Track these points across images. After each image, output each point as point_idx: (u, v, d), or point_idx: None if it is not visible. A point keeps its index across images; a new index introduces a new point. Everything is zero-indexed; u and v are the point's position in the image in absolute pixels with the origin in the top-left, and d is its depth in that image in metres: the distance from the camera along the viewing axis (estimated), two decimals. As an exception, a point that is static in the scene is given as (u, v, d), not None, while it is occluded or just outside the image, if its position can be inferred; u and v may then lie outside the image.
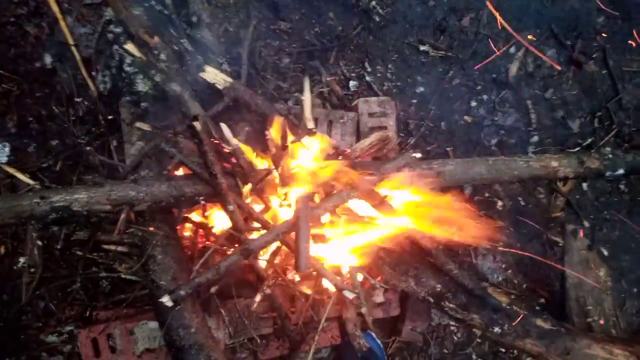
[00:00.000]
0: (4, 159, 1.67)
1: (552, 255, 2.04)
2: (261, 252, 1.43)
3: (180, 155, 1.23)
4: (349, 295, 1.43)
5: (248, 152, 1.27)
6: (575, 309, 1.77)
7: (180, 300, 1.22)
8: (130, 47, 1.24)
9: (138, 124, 1.25)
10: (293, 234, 1.29)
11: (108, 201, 1.18)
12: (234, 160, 1.27)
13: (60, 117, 1.67)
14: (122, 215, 1.19)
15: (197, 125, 1.10)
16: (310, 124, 1.19)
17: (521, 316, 1.52)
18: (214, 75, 1.33)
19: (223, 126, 1.20)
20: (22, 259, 1.50)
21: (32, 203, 1.14)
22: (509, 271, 1.95)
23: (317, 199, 1.37)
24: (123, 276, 1.58)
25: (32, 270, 1.49)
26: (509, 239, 2.00)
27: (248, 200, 1.33)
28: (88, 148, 1.54)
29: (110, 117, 1.63)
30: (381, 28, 2.03)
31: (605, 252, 2.11)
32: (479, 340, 1.85)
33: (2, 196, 1.49)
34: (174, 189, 1.24)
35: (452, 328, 1.85)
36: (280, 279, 1.41)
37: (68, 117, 1.67)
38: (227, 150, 1.28)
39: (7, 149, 1.68)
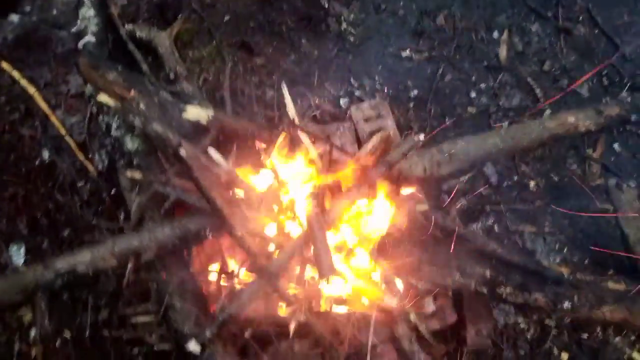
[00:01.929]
0: (21, 261, 1.66)
1: (607, 224, 1.87)
2: (290, 284, 1.34)
3: (174, 192, 1.18)
4: (391, 301, 1.30)
5: (243, 173, 1.22)
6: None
7: (208, 342, 1.12)
8: (103, 97, 1.25)
9: (129, 173, 1.23)
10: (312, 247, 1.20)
11: (112, 256, 1.13)
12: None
13: (67, 205, 1.67)
14: (130, 265, 1.13)
15: (183, 151, 1.07)
16: (296, 119, 1.14)
17: (588, 282, 1.35)
18: (196, 113, 1.32)
19: (211, 150, 1.17)
20: (32, 332, 1.42)
21: (35, 274, 1.09)
22: (565, 250, 1.78)
23: (327, 204, 1.29)
24: (155, 348, 1.49)
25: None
26: (554, 220, 1.85)
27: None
28: (94, 222, 1.53)
29: (113, 191, 1.63)
30: (358, 46, 2.05)
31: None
32: (555, 332, 1.64)
33: (3, 275, 1.47)
34: (177, 229, 1.19)
35: (521, 325, 1.65)
36: (312, 303, 1.30)
37: (74, 203, 1.67)
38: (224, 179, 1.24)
39: (22, 250, 1.67)
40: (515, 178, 1.94)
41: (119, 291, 1.43)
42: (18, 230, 1.69)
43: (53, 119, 1.73)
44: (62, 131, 1.72)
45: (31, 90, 1.72)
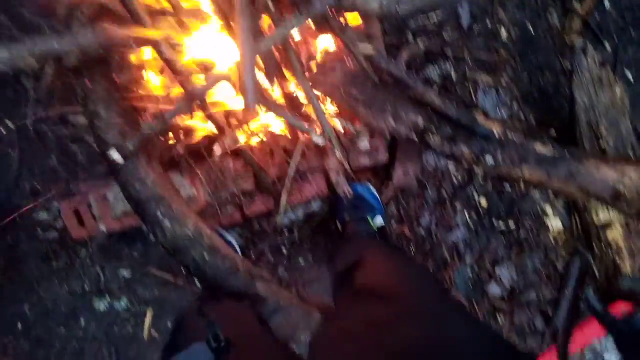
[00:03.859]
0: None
1: (568, 85, 1.83)
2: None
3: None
4: (318, 140, 1.33)
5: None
6: (587, 134, 1.59)
7: (131, 155, 1.16)
8: None
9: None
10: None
11: (32, 56, 1.09)
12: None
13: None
14: (50, 71, 1.10)
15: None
16: None
17: (515, 142, 1.38)
18: None
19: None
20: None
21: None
22: (515, 105, 1.77)
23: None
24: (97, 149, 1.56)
25: (11, 152, 1.48)
26: (514, 74, 1.80)
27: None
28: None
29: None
30: None
31: (631, 77, 1.88)
32: (481, 179, 1.74)
33: None
34: (101, 36, 1.12)
35: (450, 171, 1.74)
36: (245, 128, 1.32)
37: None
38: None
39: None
40: (489, 24, 1.82)
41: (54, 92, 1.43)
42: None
43: None
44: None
45: None
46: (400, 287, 0.96)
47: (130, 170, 1.16)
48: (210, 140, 1.43)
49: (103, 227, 1.44)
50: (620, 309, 1.64)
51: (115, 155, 1.14)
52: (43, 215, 1.59)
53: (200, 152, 1.45)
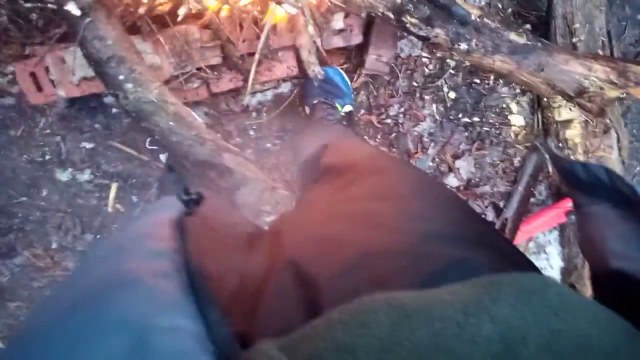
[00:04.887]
0: None
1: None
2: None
3: None
4: (290, 9, 1.27)
5: None
6: (560, 28, 1.58)
7: (89, 8, 1.09)
8: None
9: None
10: None
11: None
12: None
13: None
14: None
15: None
16: None
17: (491, 28, 1.36)
18: None
19: None
20: None
21: None
22: (494, -5, 1.73)
23: None
24: (51, 7, 1.44)
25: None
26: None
27: None
28: None
29: None
30: None
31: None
32: (452, 71, 1.73)
33: None
34: None
35: (423, 60, 1.72)
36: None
37: None
38: None
39: None
40: None
41: None
42: None
43: None
44: None
45: None
46: (366, 160, 0.97)
47: (89, 26, 1.09)
48: (174, 5, 1.35)
49: (62, 92, 1.37)
50: (569, 204, 1.75)
51: (71, 7, 1.06)
52: (-4, 79, 1.51)
53: (163, 18, 1.37)
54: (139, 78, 1.12)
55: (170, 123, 1.14)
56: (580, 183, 0.53)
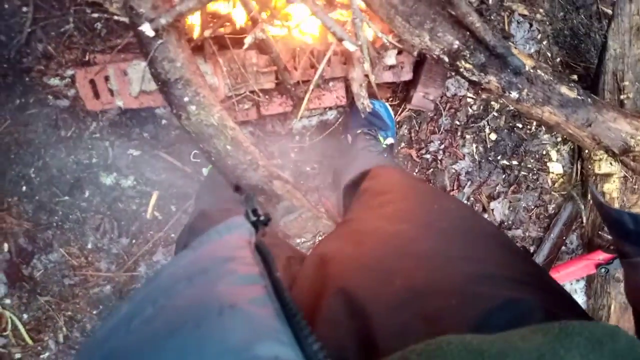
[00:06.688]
0: None
1: (599, 30, 1.80)
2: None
3: None
4: (350, 46, 1.30)
5: None
6: (609, 84, 1.59)
7: (162, 30, 1.12)
8: None
9: None
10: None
11: None
12: None
13: None
14: None
15: None
16: None
17: (544, 80, 1.38)
18: None
19: None
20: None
21: None
22: (544, 42, 1.74)
23: None
24: (116, 18, 1.49)
25: (25, 9, 1.42)
26: (550, 7, 1.75)
27: None
28: None
29: None
30: None
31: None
32: (495, 114, 1.75)
33: None
34: None
35: (468, 100, 1.74)
36: (275, 20, 1.27)
37: None
38: None
39: None
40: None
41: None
42: None
43: None
44: None
45: None
46: (408, 190, 0.96)
47: (160, 48, 1.13)
48: (236, 30, 1.39)
49: (120, 103, 1.42)
50: (600, 256, 1.75)
51: (145, 28, 1.10)
52: (54, 81, 1.55)
53: (223, 41, 1.41)
54: (202, 101, 1.15)
55: (228, 147, 1.17)
56: (629, 233, 0.53)
